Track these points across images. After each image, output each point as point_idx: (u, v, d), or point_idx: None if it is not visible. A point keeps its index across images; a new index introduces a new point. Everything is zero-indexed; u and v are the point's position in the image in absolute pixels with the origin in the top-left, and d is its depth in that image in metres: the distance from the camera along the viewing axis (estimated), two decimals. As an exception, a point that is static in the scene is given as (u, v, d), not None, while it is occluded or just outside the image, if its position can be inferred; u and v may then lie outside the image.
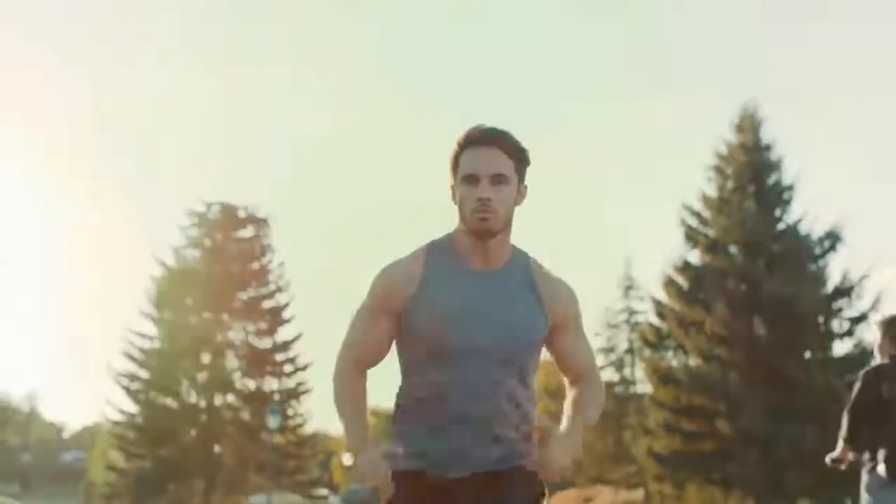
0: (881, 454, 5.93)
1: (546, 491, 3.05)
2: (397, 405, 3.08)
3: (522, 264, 3.05)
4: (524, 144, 3.02)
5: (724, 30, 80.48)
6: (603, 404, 3.15)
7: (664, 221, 68.92)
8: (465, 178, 2.95)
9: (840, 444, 6.13)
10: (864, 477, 5.96)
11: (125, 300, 66.35)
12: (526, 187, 3.04)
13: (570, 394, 3.14)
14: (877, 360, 6.11)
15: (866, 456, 5.97)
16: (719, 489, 30.89)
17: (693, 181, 31.88)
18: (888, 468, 5.88)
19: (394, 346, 3.09)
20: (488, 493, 2.97)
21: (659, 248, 36.66)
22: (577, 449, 2.98)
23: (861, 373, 6.08)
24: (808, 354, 30.55)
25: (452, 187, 3.02)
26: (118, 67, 76.65)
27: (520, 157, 2.99)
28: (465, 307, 2.94)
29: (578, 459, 40.32)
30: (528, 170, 3.05)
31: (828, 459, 6.31)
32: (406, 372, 3.05)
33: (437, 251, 3.04)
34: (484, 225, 2.93)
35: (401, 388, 3.08)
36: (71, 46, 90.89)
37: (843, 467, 6.18)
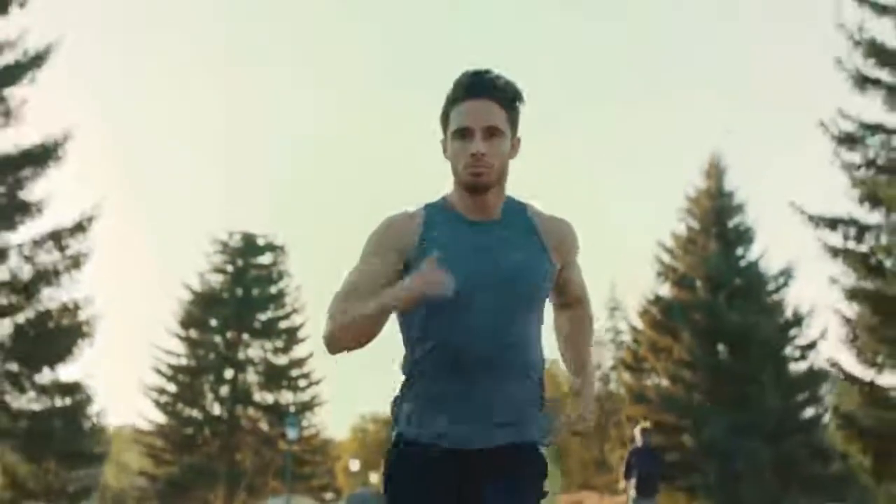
0: (632, 483, 12.66)
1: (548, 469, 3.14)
2: (404, 378, 3.11)
3: (520, 211, 3.11)
4: (517, 86, 3.06)
5: (724, 34, 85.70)
6: (593, 330, 3.38)
7: (650, 247, 73.98)
8: (458, 132, 2.98)
9: (623, 481, 12.76)
10: (629, 494, 12.65)
11: (131, 311, 71.93)
12: (519, 140, 3.08)
13: (562, 317, 3.37)
14: (637, 443, 12.86)
15: (629, 484, 12.63)
16: (684, 497, 37.03)
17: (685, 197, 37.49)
18: (637, 491, 12.78)
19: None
20: (498, 472, 3.01)
21: (646, 267, 41.93)
22: (594, 396, 3.27)
23: (629, 450, 12.82)
24: (764, 377, 36.63)
25: (443, 141, 3.07)
26: (118, 69, 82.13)
27: (513, 108, 3.04)
28: (469, 254, 2.99)
29: (567, 468, 46.25)
30: (521, 120, 3.08)
31: (619, 488, 13.03)
32: (414, 333, 3.07)
33: (434, 207, 3.11)
34: (478, 180, 2.98)
35: (405, 358, 3.11)
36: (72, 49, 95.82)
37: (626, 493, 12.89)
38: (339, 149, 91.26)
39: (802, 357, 36.88)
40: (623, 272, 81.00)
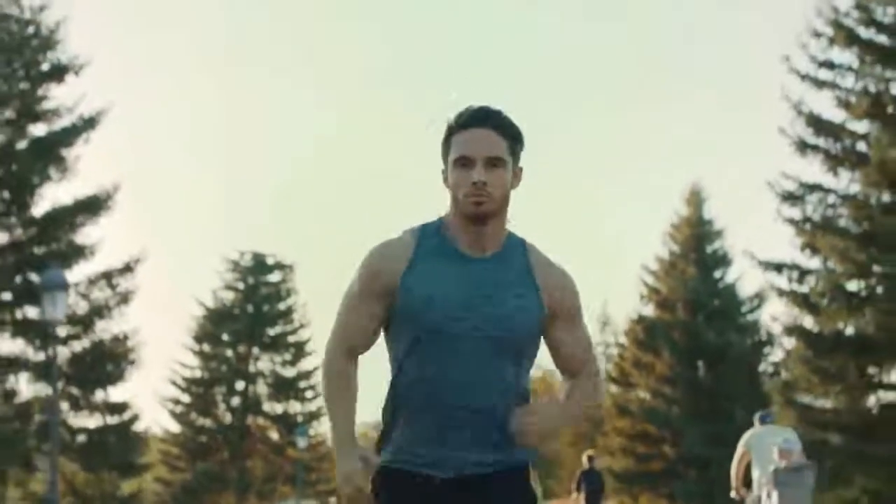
0: (582, 497, 17.45)
1: (538, 497, 3.15)
2: (386, 402, 3.15)
3: (519, 249, 3.11)
4: (518, 124, 3.11)
5: (723, 36, 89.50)
6: (598, 398, 3.22)
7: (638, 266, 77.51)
8: (458, 161, 3.03)
9: (574, 493, 17.49)
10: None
11: (145, 325, 76.20)
12: (521, 169, 3.13)
13: (565, 383, 3.22)
14: (585, 466, 17.59)
15: (580, 497, 17.43)
16: (666, 501, 41.77)
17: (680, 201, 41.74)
18: (585, 502, 17.44)
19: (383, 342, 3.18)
20: (480, 498, 3.04)
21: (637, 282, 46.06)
22: (560, 422, 3.13)
23: (580, 471, 17.54)
24: (738, 392, 41.27)
25: (444, 171, 3.10)
26: (119, 71, 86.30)
27: (514, 138, 3.09)
28: (457, 292, 3.00)
29: (558, 476, 50.82)
30: (523, 152, 3.13)
31: (571, 498, 17.66)
32: (395, 365, 3.11)
33: (430, 234, 3.10)
34: (479, 209, 3.00)
35: (390, 384, 3.14)
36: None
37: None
38: (341, 162, 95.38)
39: (775, 373, 41.52)
40: (619, 281, 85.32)
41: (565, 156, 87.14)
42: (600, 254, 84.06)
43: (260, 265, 49.36)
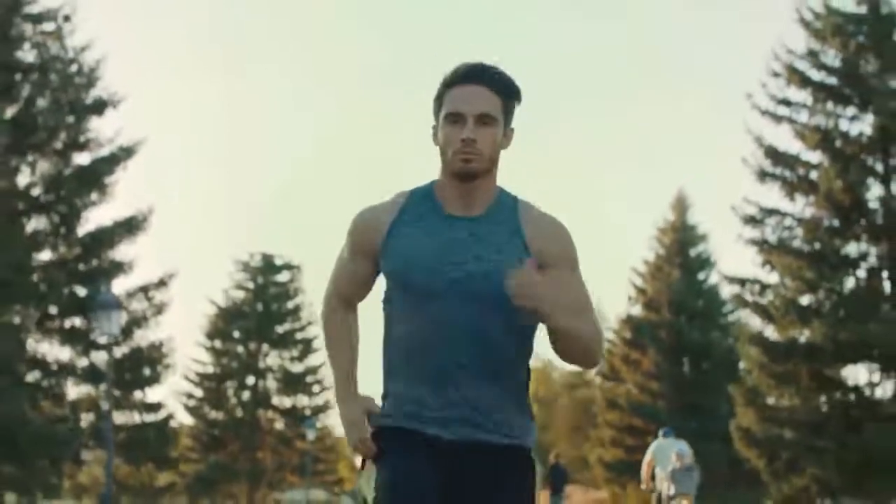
0: (549, 489, 22.27)
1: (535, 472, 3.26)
2: (383, 363, 3.29)
3: (509, 208, 3.19)
4: (515, 81, 3.20)
5: (722, 33, 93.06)
6: (595, 339, 3.13)
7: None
8: (449, 117, 3.12)
9: (544, 485, 22.41)
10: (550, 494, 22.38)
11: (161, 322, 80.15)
12: (512, 130, 3.20)
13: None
14: (553, 461, 22.47)
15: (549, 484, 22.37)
16: (652, 489, 46.38)
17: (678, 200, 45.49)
18: (550, 491, 22.44)
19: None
20: (477, 469, 3.13)
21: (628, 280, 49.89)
22: (562, 298, 3.01)
23: (549, 466, 22.32)
24: (719, 389, 45.81)
25: (434, 127, 3.20)
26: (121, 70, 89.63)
27: (508, 97, 3.18)
28: (437, 251, 3.12)
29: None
30: (517, 110, 3.21)
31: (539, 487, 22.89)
32: (387, 326, 3.27)
33: (419, 195, 3.24)
34: (467, 167, 3.09)
35: (383, 345, 3.28)
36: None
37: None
38: (346, 164, 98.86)
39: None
40: (613, 281, 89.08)
41: (566, 150, 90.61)
42: (596, 253, 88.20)
43: (269, 265, 53.75)
